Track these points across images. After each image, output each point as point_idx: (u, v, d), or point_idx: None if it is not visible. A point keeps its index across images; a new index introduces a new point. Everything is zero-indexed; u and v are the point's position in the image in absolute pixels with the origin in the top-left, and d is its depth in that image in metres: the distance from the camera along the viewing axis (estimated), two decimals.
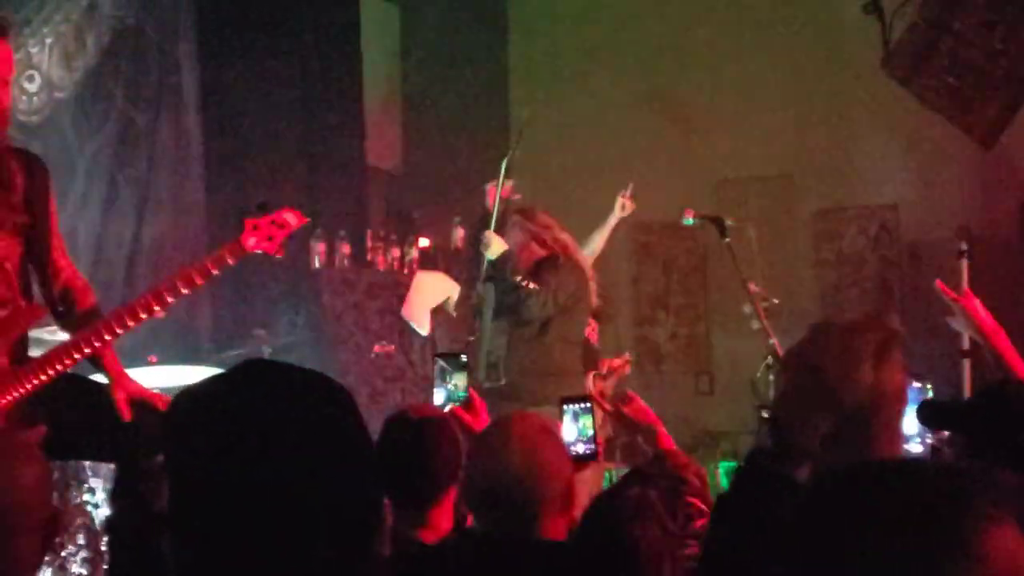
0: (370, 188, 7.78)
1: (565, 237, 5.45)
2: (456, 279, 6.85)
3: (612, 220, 6.19)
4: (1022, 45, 5.20)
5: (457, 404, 3.39)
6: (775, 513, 1.71)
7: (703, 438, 7.50)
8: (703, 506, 2.64)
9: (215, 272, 3.18)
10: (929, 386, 2.94)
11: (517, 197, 6.04)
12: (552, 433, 2.64)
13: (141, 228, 6.31)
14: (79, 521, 4.30)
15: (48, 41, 5.99)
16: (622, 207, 6.17)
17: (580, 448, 2.96)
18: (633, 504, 2.33)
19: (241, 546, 1.23)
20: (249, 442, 1.24)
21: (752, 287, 5.54)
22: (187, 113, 6.56)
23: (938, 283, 3.38)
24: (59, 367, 3.12)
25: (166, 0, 6.52)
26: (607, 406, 3.15)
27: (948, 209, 7.24)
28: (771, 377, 5.59)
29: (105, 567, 4.17)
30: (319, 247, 6.82)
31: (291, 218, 3.25)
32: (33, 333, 3.42)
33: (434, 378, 3.53)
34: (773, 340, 5.41)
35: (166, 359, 5.43)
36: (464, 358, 3.52)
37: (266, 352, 5.90)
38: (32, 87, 5.89)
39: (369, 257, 7.25)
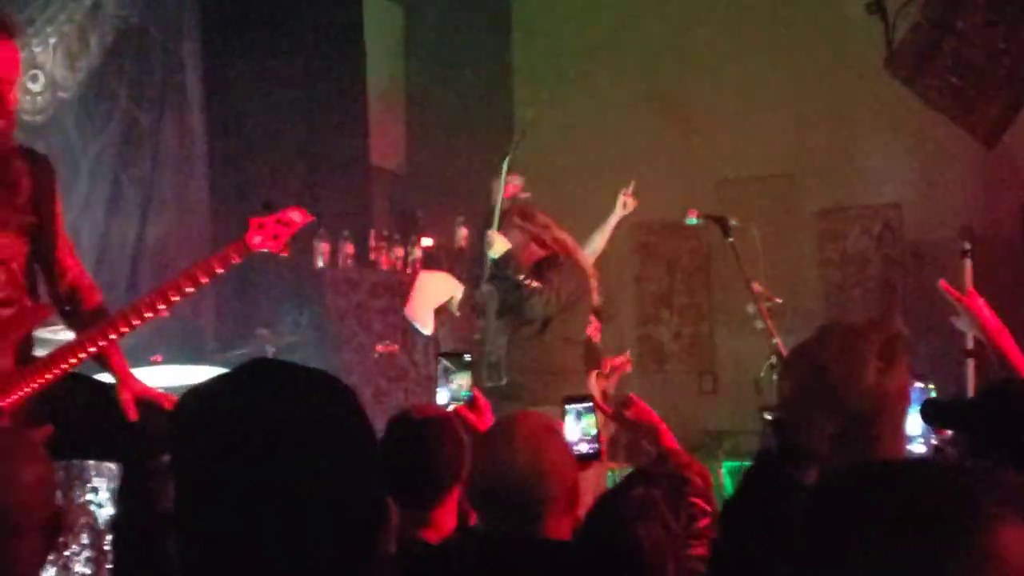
0: (373, 187, 7.78)
1: (564, 236, 5.45)
2: (459, 279, 6.85)
3: (614, 218, 6.21)
4: (1023, 45, 5.21)
5: (460, 404, 3.39)
6: (782, 516, 1.71)
7: (706, 438, 7.49)
8: (706, 506, 2.64)
9: (220, 271, 3.18)
10: (932, 386, 2.94)
11: (526, 195, 6.04)
12: (557, 433, 2.64)
13: (145, 228, 6.32)
14: (82, 520, 4.31)
15: (52, 41, 6.00)
16: (624, 205, 6.19)
17: (583, 448, 2.96)
18: (636, 504, 2.33)
19: (246, 545, 1.23)
20: (255, 441, 1.25)
21: (756, 287, 5.54)
22: (191, 112, 6.57)
23: (942, 283, 3.38)
24: (64, 366, 3.12)
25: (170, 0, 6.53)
26: (608, 409, 3.15)
27: (951, 209, 7.24)
28: (774, 377, 5.59)
29: (109, 567, 4.17)
30: (322, 247, 6.83)
31: (296, 216, 3.26)
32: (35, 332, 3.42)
33: (437, 378, 3.52)
34: (776, 340, 5.41)
35: (170, 358, 5.43)
36: (468, 358, 3.52)
37: (269, 352, 5.90)
38: (36, 87, 5.90)
39: (372, 257, 7.25)
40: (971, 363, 6.21)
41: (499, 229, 5.41)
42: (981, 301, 3.21)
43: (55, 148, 5.52)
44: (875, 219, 7.76)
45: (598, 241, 6.20)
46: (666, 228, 8.15)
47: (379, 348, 6.87)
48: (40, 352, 3.24)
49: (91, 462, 4.23)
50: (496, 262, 5.35)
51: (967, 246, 6.48)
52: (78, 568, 4.25)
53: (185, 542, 1.29)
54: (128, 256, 6.24)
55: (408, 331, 6.95)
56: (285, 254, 3.28)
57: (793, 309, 6.17)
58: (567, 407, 3.06)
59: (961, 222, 6.74)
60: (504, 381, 5.33)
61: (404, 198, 8.08)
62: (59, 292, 3.31)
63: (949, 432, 2.90)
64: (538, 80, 8.51)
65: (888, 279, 7.71)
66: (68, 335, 3.50)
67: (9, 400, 3.04)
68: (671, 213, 6.32)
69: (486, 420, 3.31)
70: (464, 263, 7.24)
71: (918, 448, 2.75)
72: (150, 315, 3.15)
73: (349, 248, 6.96)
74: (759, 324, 5.53)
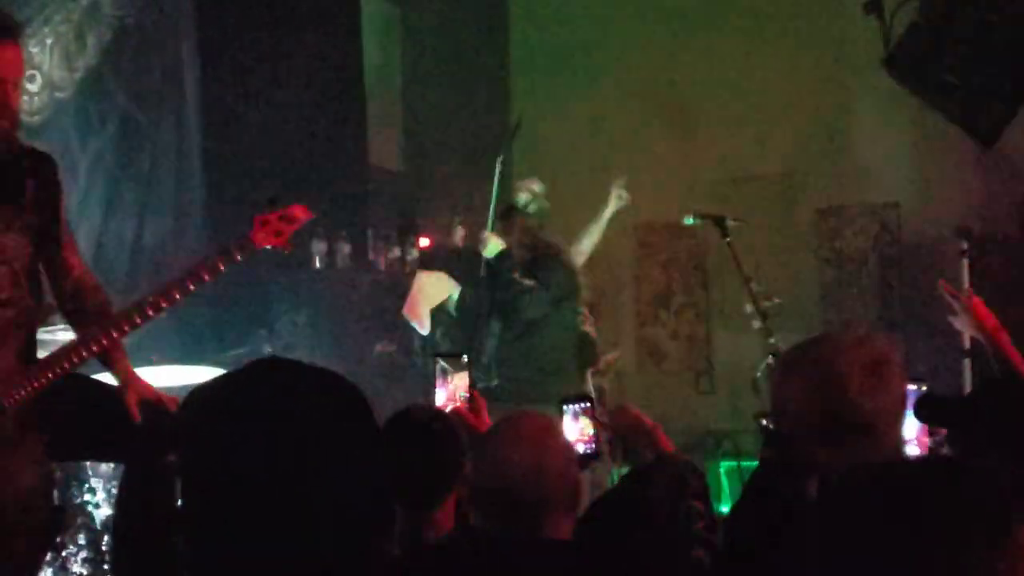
0: (371, 187, 7.77)
1: (551, 238, 5.50)
2: (457, 279, 6.86)
3: (607, 211, 6.22)
4: (1023, 44, 5.20)
5: (458, 404, 3.39)
6: (786, 529, 1.71)
7: (704, 437, 7.49)
8: (704, 508, 2.64)
9: (223, 268, 3.18)
10: (924, 388, 2.94)
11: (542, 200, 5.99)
12: (558, 432, 2.64)
13: (143, 227, 6.31)
14: (80, 521, 4.30)
15: (49, 41, 5.99)
16: (618, 197, 6.19)
17: (581, 448, 2.96)
18: (634, 506, 2.33)
19: (252, 542, 1.24)
20: (263, 439, 1.25)
21: (753, 286, 5.54)
22: (188, 112, 6.56)
23: (941, 282, 3.39)
24: (67, 366, 3.11)
25: None
26: (599, 424, 3.11)
27: (949, 208, 7.24)
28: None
29: (106, 567, 4.17)
30: (320, 247, 6.83)
31: (299, 213, 3.26)
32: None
33: (435, 378, 3.53)
34: (774, 339, 5.42)
35: (167, 358, 5.42)
36: (465, 358, 3.52)
37: (267, 352, 5.89)
38: (33, 87, 5.89)
39: (370, 257, 7.25)
40: (969, 363, 6.23)
41: (492, 230, 5.45)
42: (979, 300, 3.22)
43: (53, 148, 5.49)
44: (873, 218, 7.75)
45: (595, 235, 6.21)
46: (664, 228, 8.15)
47: (377, 348, 6.87)
48: (42, 352, 3.23)
49: (88, 462, 4.23)
50: (489, 262, 5.38)
51: (965, 245, 6.50)
52: (75, 568, 4.25)
53: (192, 539, 1.29)
54: (126, 256, 6.23)
55: (406, 331, 6.94)
56: (288, 251, 3.29)
57: (790, 309, 6.17)
58: (564, 407, 3.06)
59: (959, 222, 6.75)
60: (495, 383, 5.35)
61: (402, 198, 8.07)
62: (63, 292, 3.30)
63: (943, 432, 2.90)
64: (536, 80, 8.51)
65: (885, 279, 7.71)
66: (66, 335, 3.50)
67: (12, 400, 3.03)
68: (671, 212, 6.32)
69: (484, 420, 3.32)
70: (461, 263, 7.24)
71: (913, 450, 2.74)
72: (154, 313, 3.15)
73: (346, 248, 6.96)
74: (756, 324, 5.54)
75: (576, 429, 3.02)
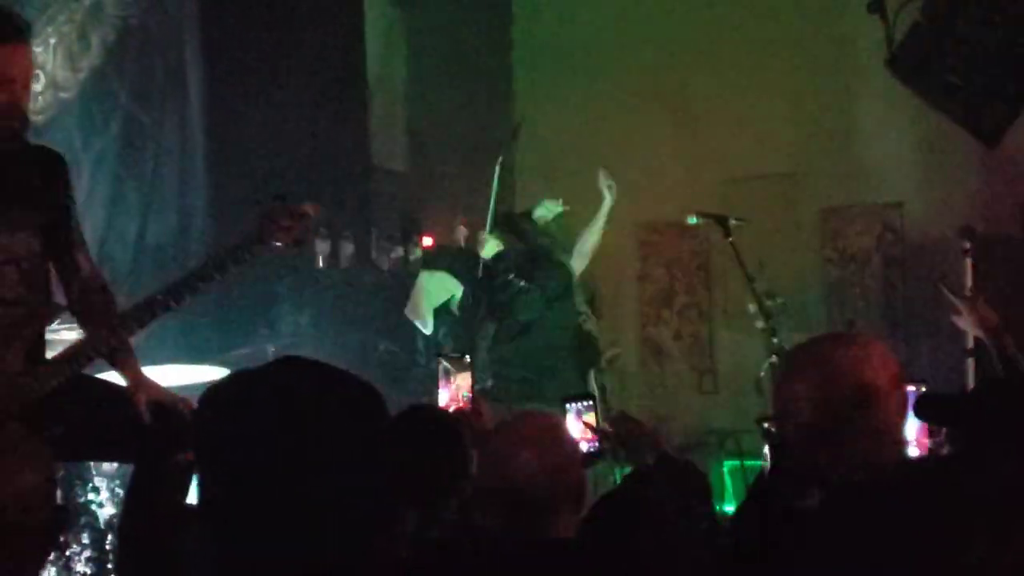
0: (373, 187, 7.78)
1: (545, 241, 5.53)
2: (459, 278, 6.86)
3: (605, 207, 6.21)
4: None
5: (461, 404, 3.39)
6: (789, 531, 1.71)
7: (707, 437, 7.49)
8: (705, 508, 2.64)
9: (233, 267, 3.17)
10: (924, 388, 2.94)
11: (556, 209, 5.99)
12: (563, 432, 2.65)
13: (146, 227, 6.32)
14: (83, 520, 4.31)
15: (52, 41, 6.00)
16: (608, 187, 6.19)
17: (584, 446, 2.96)
18: (637, 505, 2.33)
19: (270, 540, 1.25)
20: (280, 438, 1.26)
21: (756, 286, 5.55)
22: (192, 112, 6.57)
23: (937, 282, 3.39)
24: (76, 366, 3.10)
25: None
26: (594, 438, 3.10)
27: (952, 208, 7.24)
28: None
29: (110, 567, 4.18)
30: (323, 246, 6.83)
31: (309, 209, 3.25)
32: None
33: (438, 378, 3.53)
34: (777, 339, 5.42)
35: (170, 358, 5.43)
36: (468, 358, 3.53)
37: (270, 351, 5.90)
38: (37, 87, 5.89)
39: (373, 256, 7.25)
40: (972, 362, 6.22)
41: (491, 232, 5.48)
42: (982, 300, 3.22)
43: (57, 148, 5.52)
44: (876, 218, 7.75)
45: (596, 233, 6.21)
46: (667, 227, 8.15)
47: (380, 348, 6.87)
48: (50, 352, 3.23)
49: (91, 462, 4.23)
50: (486, 263, 5.41)
51: (968, 245, 6.49)
52: (79, 568, 4.26)
53: (209, 536, 1.30)
54: (129, 255, 6.24)
55: (409, 331, 6.95)
56: (297, 249, 3.28)
57: (793, 308, 6.17)
58: (567, 406, 3.06)
59: (962, 221, 6.74)
60: (490, 383, 5.37)
61: (404, 198, 8.08)
62: (72, 291, 3.30)
63: (943, 432, 2.90)
64: (539, 80, 8.50)
65: (889, 278, 7.71)
66: (69, 335, 3.50)
67: (20, 401, 3.02)
68: (675, 212, 6.31)
69: (486, 420, 3.32)
70: (464, 263, 7.25)
71: (912, 450, 2.74)
72: (162, 313, 3.14)
73: (349, 248, 6.97)
74: (759, 323, 5.54)
75: (579, 428, 3.03)
